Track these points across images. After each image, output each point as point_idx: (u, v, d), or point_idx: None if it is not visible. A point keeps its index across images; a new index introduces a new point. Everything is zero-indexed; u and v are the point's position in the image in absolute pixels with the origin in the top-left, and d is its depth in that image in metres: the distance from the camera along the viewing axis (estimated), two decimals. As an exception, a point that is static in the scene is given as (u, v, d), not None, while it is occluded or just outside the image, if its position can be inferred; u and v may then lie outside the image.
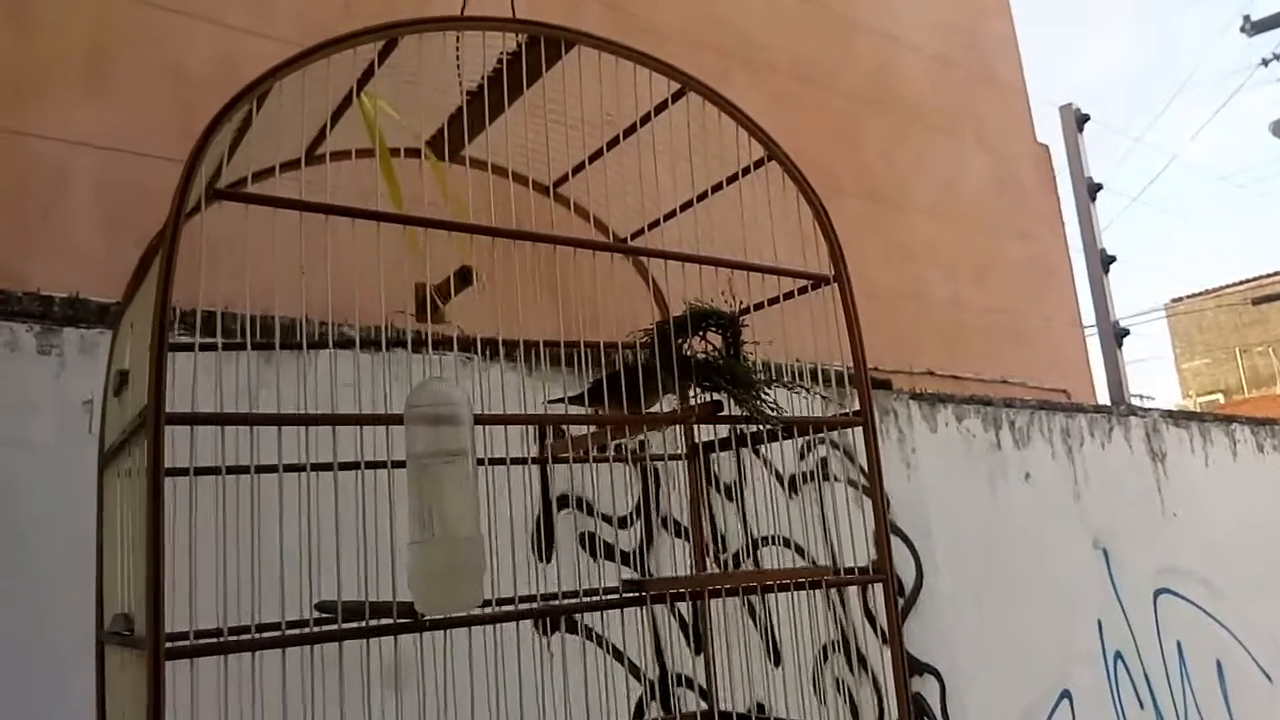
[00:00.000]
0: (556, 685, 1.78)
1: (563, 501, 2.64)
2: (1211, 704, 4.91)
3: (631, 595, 1.61)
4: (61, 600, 1.68)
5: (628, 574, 2.68)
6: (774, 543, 3.06)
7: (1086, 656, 4.22)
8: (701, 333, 1.94)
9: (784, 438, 2.00)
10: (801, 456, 3.15)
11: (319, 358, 2.15)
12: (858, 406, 1.88)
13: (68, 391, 2.07)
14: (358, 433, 1.46)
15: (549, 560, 2.50)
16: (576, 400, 1.92)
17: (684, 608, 2.76)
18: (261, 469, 1.41)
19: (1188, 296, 27.95)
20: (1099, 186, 6.27)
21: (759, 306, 2.02)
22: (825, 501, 3.03)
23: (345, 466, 1.41)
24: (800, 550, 2.84)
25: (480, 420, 1.44)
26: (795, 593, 1.89)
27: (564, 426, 2.34)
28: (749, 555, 2.92)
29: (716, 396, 1.87)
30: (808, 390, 1.97)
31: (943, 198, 6.32)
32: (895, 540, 3.47)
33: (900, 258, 5.88)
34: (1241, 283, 26.27)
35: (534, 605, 1.54)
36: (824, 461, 3.35)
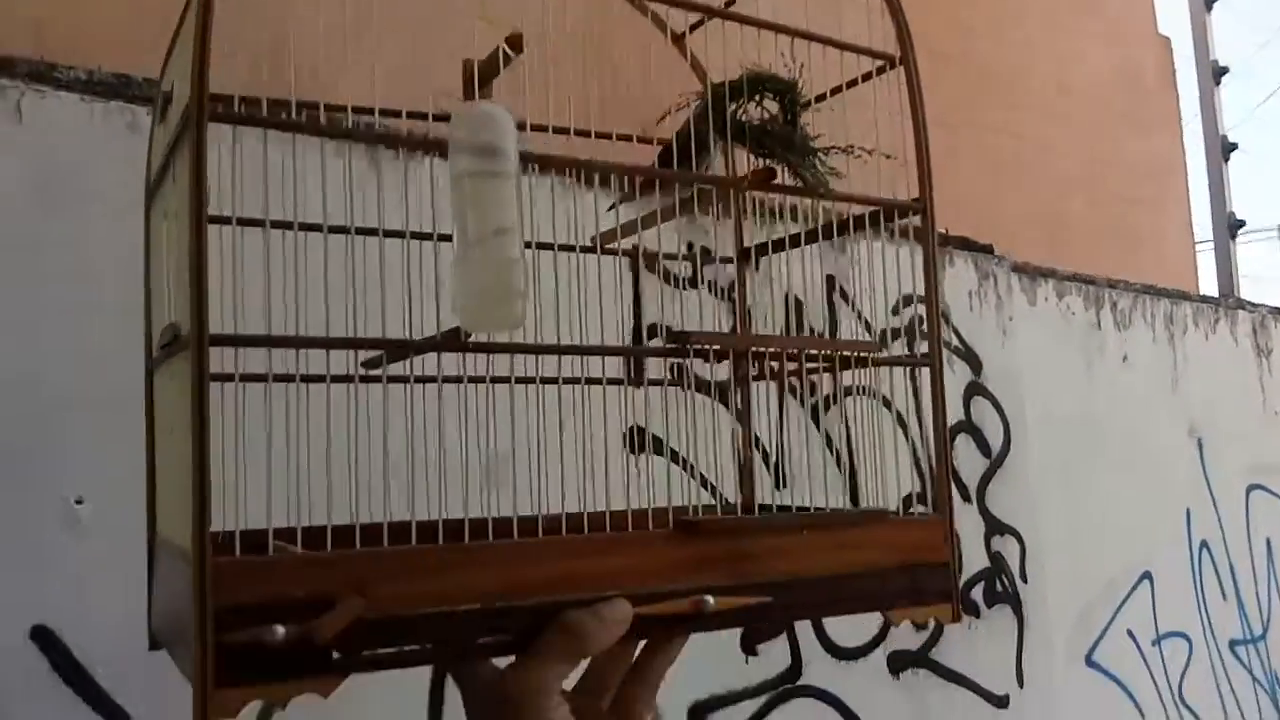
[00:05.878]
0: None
1: (653, 331, 2.67)
2: (1297, 604, 4.82)
3: (674, 346, 1.61)
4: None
5: (714, 405, 2.71)
6: (858, 393, 3.04)
7: (1171, 541, 4.15)
8: (758, 99, 1.87)
9: (839, 234, 1.94)
10: (895, 312, 3.11)
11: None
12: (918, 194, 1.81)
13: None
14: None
15: (640, 385, 2.53)
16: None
17: (770, 448, 2.79)
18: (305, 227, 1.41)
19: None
20: (1224, 70, 5.92)
21: (820, 99, 1.95)
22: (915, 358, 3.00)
23: (390, 234, 1.39)
24: (887, 403, 2.83)
25: (528, 158, 1.41)
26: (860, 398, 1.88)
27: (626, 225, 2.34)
28: (835, 401, 2.92)
29: (771, 164, 1.81)
30: (869, 153, 1.89)
31: (1054, 82, 6.03)
32: (984, 403, 3.43)
33: (1004, 141, 5.67)
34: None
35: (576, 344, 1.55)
36: (913, 321, 3.31)
